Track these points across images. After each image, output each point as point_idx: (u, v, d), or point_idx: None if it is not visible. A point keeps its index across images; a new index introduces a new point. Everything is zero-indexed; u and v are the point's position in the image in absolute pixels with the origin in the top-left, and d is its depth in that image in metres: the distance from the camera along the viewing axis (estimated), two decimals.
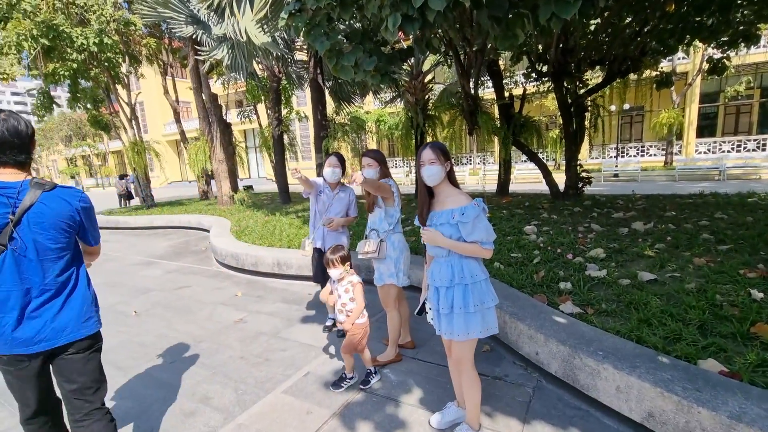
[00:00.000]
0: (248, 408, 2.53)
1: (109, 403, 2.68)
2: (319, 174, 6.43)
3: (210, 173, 12.67)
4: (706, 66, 7.75)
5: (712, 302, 2.73)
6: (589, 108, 8.69)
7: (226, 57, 7.19)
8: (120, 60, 11.20)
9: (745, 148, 17.83)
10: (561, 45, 6.96)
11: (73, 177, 46.76)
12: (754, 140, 17.76)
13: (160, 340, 3.66)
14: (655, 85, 8.23)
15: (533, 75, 8.67)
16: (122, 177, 15.78)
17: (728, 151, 17.76)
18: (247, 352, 3.32)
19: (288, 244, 5.81)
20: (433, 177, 1.91)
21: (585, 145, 19.30)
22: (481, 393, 2.06)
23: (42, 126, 42.59)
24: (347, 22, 5.64)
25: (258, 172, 31.66)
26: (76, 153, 44.26)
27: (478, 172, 19.61)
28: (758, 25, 6.05)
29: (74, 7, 9.43)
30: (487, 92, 13.99)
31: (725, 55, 7.06)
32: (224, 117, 12.01)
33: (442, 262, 1.97)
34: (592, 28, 6.80)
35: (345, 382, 2.68)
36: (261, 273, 5.45)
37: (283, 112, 11.81)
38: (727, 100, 18.14)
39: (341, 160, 3.35)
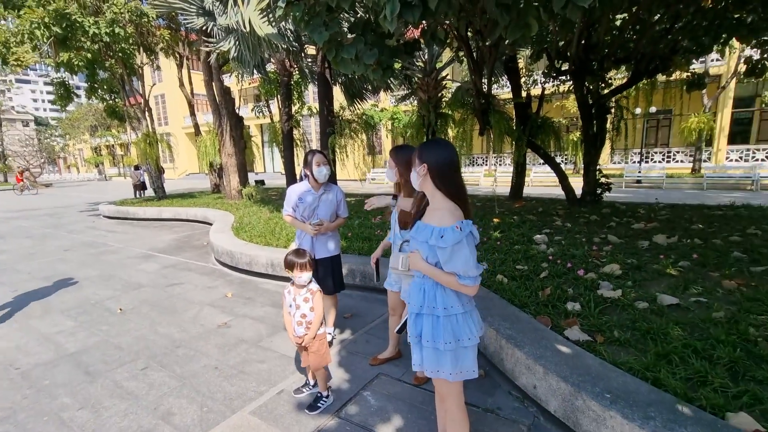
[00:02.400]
0: (208, 430, 2.29)
1: (65, 413, 2.50)
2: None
3: (219, 166, 12.61)
4: (742, 67, 7.17)
5: (744, 336, 2.36)
6: (612, 110, 8.19)
7: (232, 49, 7.02)
8: (135, 51, 11.20)
9: None
10: (583, 41, 6.51)
11: (97, 166, 48.08)
12: None
13: (138, 343, 3.48)
14: (685, 87, 7.69)
15: (553, 74, 8.22)
16: (137, 168, 15.93)
17: (762, 160, 16.74)
18: (223, 361, 3.09)
19: (285, 243, 5.59)
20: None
21: (606, 149, 18.55)
22: (470, 428, 1.77)
23: (68, 116, 43.91)
24: (348, 12, 5.35)
25: (273, 166, 31.78)
26: (101, 143, 45.43)
27: (493, 174, 19.10)
28: None
29: None
30: (505, 92, 13.52)
31: (765, 55, 6.49)
32: (237, 111, 11.92)
33: (415, 283, 1.68)
34: (618, 23, 6.33)
35: (321, 402, 2.43)
36: (255, 273, 5.25)
37: (295, 107, 11.63)
38: (764, 105, 17.10)
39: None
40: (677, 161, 18.39)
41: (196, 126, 15.71)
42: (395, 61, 4.56)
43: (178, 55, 14.66)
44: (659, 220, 6.24)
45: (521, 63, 10.27)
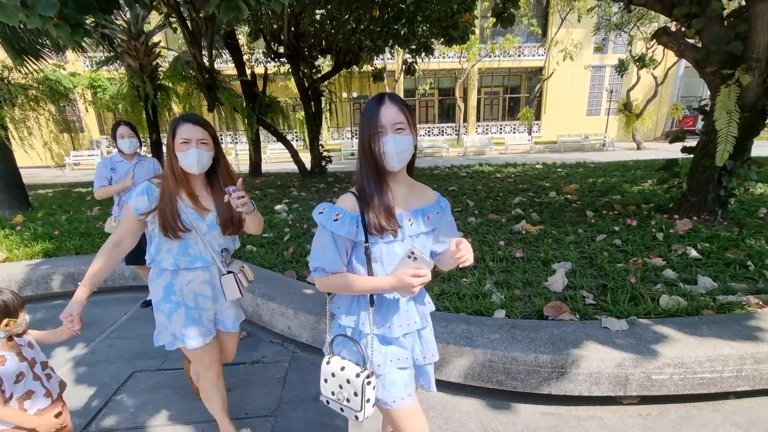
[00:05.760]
0: None
1: None
2: None
3: None
4: (403, 67, 9.83)
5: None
6: (324, 93, 9.56)
7: None
8: None
9: (432, 133, 24.19)
10: (293, 29, 7.26)
11: None
12: (437, 128, 24.32)
13: None
14: (372, 78, 9.84)
15: (272, 55, 8.74)
16: None
17: (423, 136, 23.62)
18: None
19: None
20: (406, 154, 1.17)
21: (327, 127, 21.44)
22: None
23: None
24: None
25: None
26: None
27: (230, 152, 18.58)
28: (432, 40, 8.11)
29: None
30: (230, 68, 13.22)
31: (414, 60, 9.14)
32: None
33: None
34: (318, 17, 7.41)
35: None
36: None
37: None
38: (420, 96, 23.87)
39: (134, 128, 3.13)
40: None
41: None
42: (86, 18, 3.77)
43: None
44: None
45: (242, 40, 10.27)
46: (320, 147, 9.27)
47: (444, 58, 21.82)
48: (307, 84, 8.69)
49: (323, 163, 9.33)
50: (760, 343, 2.03)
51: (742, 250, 3.27)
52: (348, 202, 1.18)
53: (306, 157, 9.49)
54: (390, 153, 1.13)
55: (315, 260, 1.19)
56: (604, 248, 3.48)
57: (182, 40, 16.57)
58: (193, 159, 1.51)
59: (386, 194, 1.17)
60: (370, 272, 1.19)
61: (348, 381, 1.20)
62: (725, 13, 3.82)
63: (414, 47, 8.14)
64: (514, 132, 23.84)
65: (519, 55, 22.70)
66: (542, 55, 22.34)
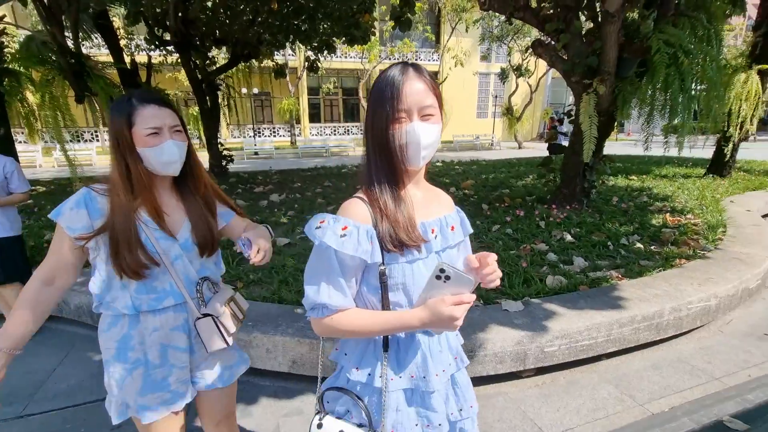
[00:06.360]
0: None
1: None
2: None
3: None
4: (306, 64, 9.61)
5: None
6: (221, 87, 8.87)
7: None
8: None
9: (338, 132, 24.19)
10: (180, 14, 6.58)
11: None
12: (342, 127, 24.39)
13: None
14: (273, 74, 9.41)
15: (156, 42, 7.80)
16: None
17: (330, 135, 23.49)
18: None
19: None
20: (433, 148, 0.91)
21: (226, 124, 19.94)
22: None
23: None
24: None
25: None
26: None
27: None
28: (334, 39, 8.06)
29: None
30: (104, 53, 11.44)
31: (317, 57, 8.99)
32: None
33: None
34: (210, 4, 6.82)
35: None
36: None
37: None
38: (324, 95, 23.64)
39: None
40: (281, 136, 22.53)
41: None
42: None
43: None
44: (273, 183, 7.67)
45: (117, 23, 8.96)
46: (219, 145, 8.58)
47: (346, 57, 21.94)
48: (200, 76, 7.95)
49: (224, 163, 8.66)
50: (623, 310, 2.43)
51: (603, 233, 3.90)
52: (356, 210, 0.88)
53: (204, 156, 8.67)
54: (414, 147, 0.85)
55: (313, 294, 0.86)
56: (499, 237, 3.85)
57: (37, 17, 13.88)
58: (173, 154, 1.10)
59: (405, 198, 0.90)
60: (386, 305, 0.89)
61: None
62: (584, 31, 4.50)
63: (316, 44, 8.00)
64: None
65: (416, 59, 23.90)
66: (437, 60, 23.86)
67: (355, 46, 8.72)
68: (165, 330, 1.16)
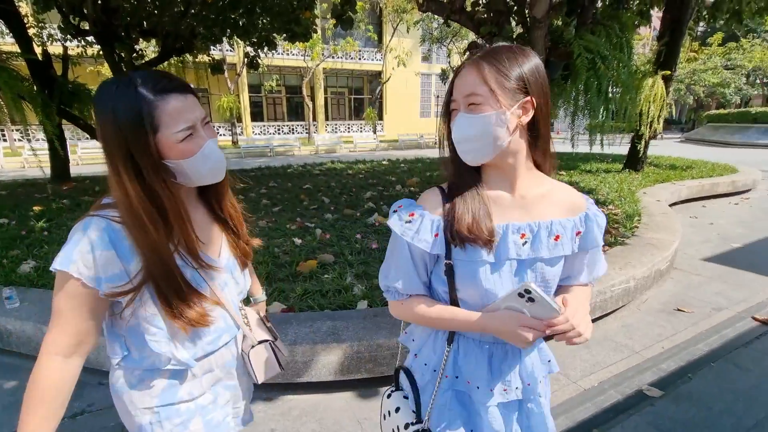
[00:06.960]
0: None
1: None
2: None
3: None
4: (246, 60, 9.23)
5: (273, 255, 3.42)
6: None
7: None
8: None
9: (282, 131, 23.54)
10: (100, 1, 6.01)
11: None
12: (287, 126, 23.78)
13: None
14: (209, 70, 8.92)
15: (72, 31, 7.07)
16: None
17: (273, 133, 22.78)
18: None
19: None
20: (475, 143, 0.78)
21: None
22: None
23: None
24: None
25: None
26: None
27: (21, 152, 14.45)
28: (274, 35, 7.81)
29: None
30: (8, 42, 10.12)
31: (256, 53, 8.67)
32: None
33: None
34: None
35: None
36: None
37: None
38: (267, 92, 22.86)
39: None
40: (221, 135, 21.40)
41: None
42: None
43: None
44: None
45: (24, 9, 7.97)
46: None
47: (289, 55, 21.41)
48: (126, 71, 7.32)
49: None
50: None
51: None
52: (430, 198, 0.84)
53: None
54: (455, 140, 0.79)
55: (384, 276, 0.87)
56: None
57: None
58: (219, 158, 0.88)
59: (475, 190, 0.82)
60: (453, 299, 0.84)
61: (396, 430, 0.91)
62: (515, 35, 4.78)
63: (255, 40, 7.70)
64: (360, 131, 25.08)
65: (360, 59, 23.92)
66: (380, 60, 24.06)
67: (297, 43, 8.53)
68: (218, 369, 0.97)
